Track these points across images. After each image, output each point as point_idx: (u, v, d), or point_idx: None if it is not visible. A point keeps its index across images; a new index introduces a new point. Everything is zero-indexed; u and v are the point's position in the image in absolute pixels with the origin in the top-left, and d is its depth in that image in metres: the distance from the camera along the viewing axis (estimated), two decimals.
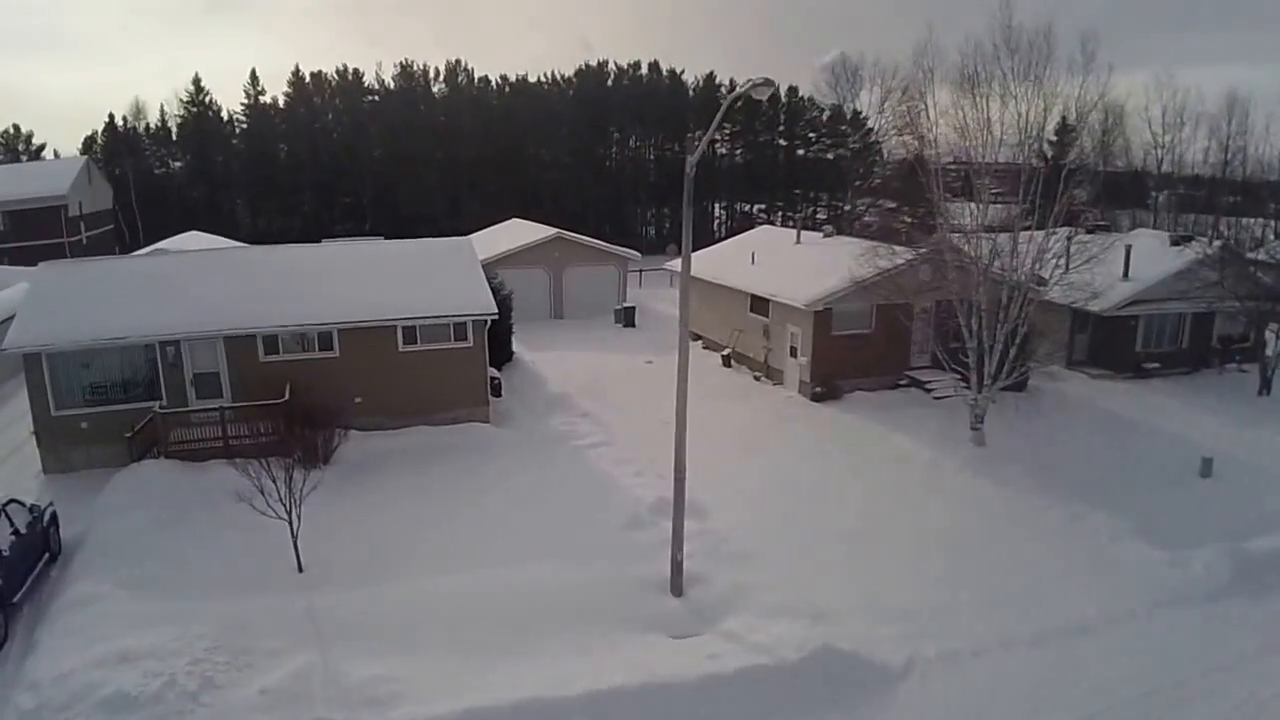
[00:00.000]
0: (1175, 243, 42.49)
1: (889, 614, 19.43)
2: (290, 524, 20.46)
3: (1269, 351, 38.18)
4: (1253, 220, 72.06)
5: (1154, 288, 39.22)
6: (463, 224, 63.12)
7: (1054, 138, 33.65)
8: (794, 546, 22.44)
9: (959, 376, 31.35)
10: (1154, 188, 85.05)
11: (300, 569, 20.56)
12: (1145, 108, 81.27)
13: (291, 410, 27.20)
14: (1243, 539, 23.06)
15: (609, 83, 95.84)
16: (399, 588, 19.54)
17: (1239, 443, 30.62)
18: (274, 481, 20.40)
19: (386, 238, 38.21)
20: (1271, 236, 54.47)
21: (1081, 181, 29.91)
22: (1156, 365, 39.69)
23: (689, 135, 19.84)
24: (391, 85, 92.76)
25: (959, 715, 16.39)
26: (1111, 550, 22.93)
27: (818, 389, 34.65)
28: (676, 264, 43.03)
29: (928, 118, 30.71)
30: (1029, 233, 29.94)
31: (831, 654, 17.39)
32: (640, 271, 61.94)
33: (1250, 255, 41.37)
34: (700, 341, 42.25)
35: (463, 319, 30.50)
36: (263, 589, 19.58)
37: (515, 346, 40.05)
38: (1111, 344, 39.40)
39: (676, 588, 19.73)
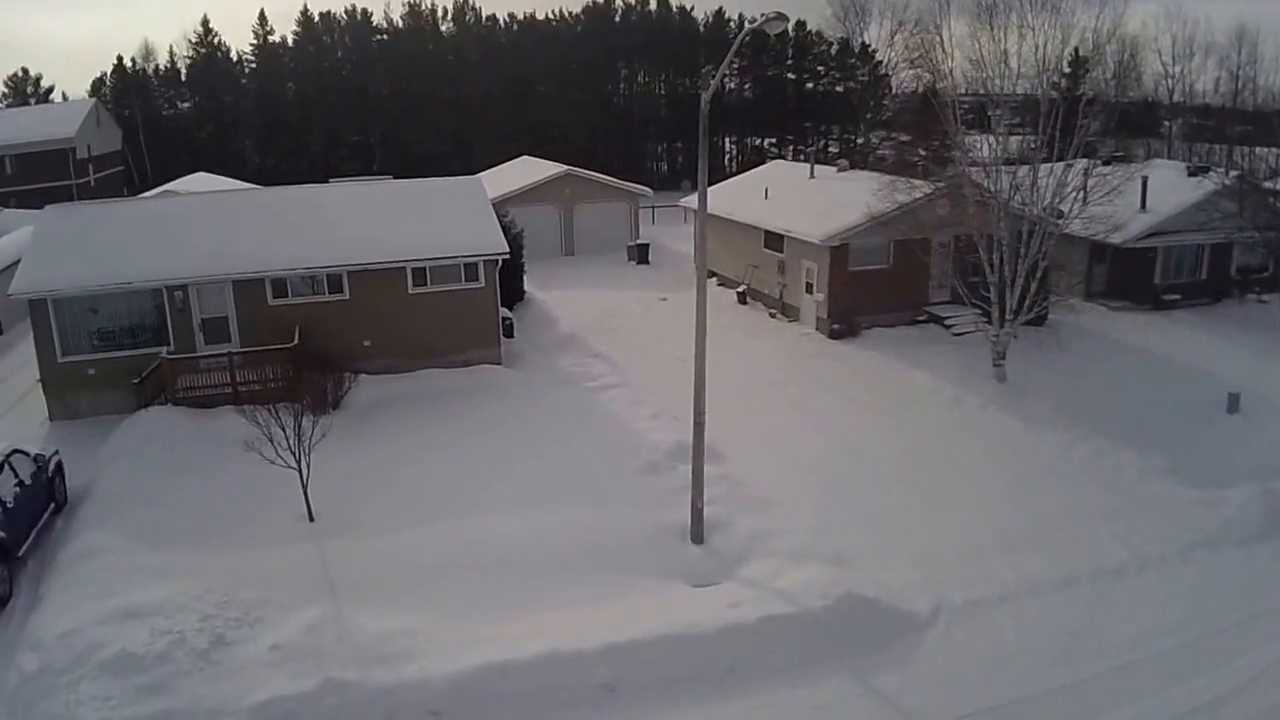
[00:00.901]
0: (1192, 173, 41.19)
1: (913, 559, 18.65)
2: (300, 472, 19.74)
3: None
4: (1266, 149, 70.50)
5: (1172, 219, 37.96)
6: (472, 163, 61.85)
7: (1067, 69, 32.38)
8: (814, 490, 21.65)
9: (979, 312, 30.37)
10: (1165, 117, 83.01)
11: (311, 518, 19.89)
12: (1155, 38, 79.41)
13: (300, 355, 26.49)
14: (1274, 478, 22.03)
15: (617, 19, 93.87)
16: (411, 536, 18.88)
17: (1264, 376, 29.39)
18: (283, 429, 19.67)
19: (395, 177, 37.08)
20: None
21: (1099, 113, 28.71)
22: (1176, 297, 38.53)
23: (702, 70, 18.94)
24: (400, 24, 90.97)
25: (988, 666, 15.63)
26: (1140, 489, 22.05)
27: (835, 326, 33.64)
28: (691, 200, 42.16)
29: (943, 50, 29.51)
30: (1048, 165, 28.85)
31: (856, 602, 16.66)
32: (653, 208, 60.68)
33: (1268, 185, 40.01)
34: (715, 278, 41.12)
35: (473, 259, 29.55)
36: (273, 539, 18.98)
37: (527, 285, 39.13)
38: (1130, 276, 38.23)
39: (697, 535, 19.03)
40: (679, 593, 17.12)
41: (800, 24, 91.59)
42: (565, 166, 52.50)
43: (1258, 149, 70.03)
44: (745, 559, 18.33)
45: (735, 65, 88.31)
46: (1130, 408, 26.86)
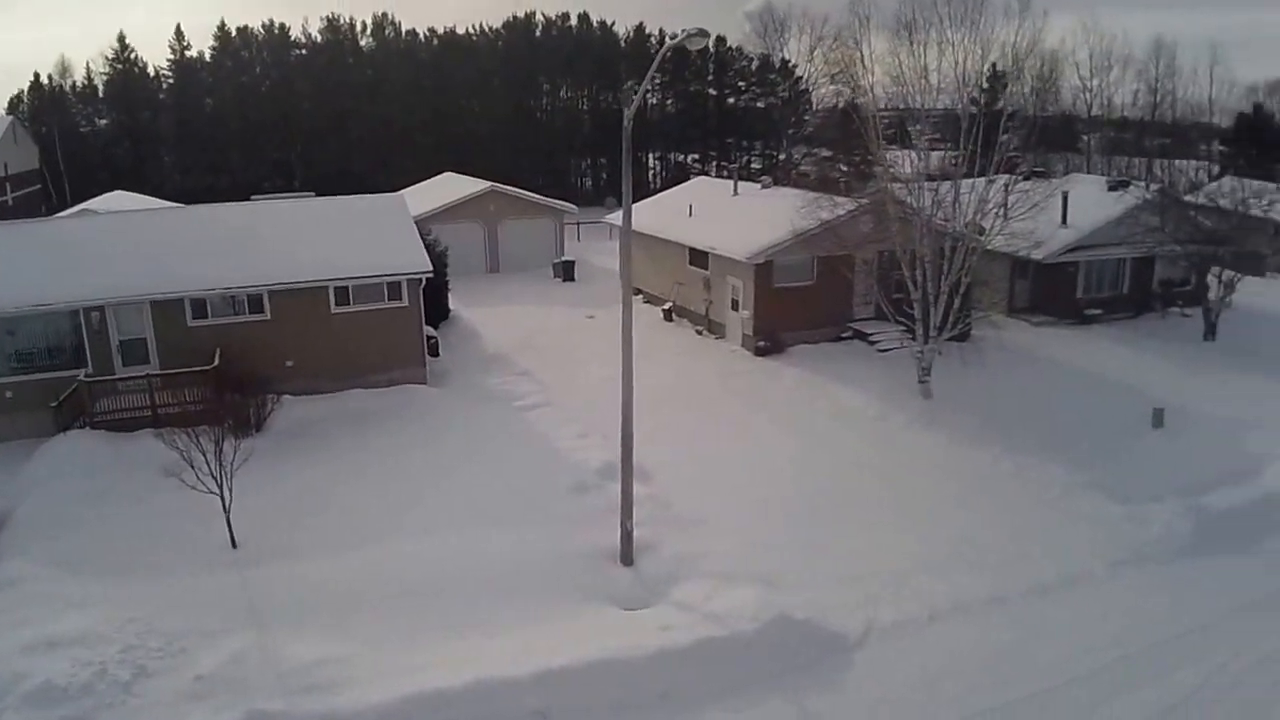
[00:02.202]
0: (1113, 188, 42.32)
1: (843, 578, 18.79)
2: (222, 497, 19.32)
3: (1212, 296, 38.19)
4: (1186, 162, 72.72)
5: (1093, 234, 39.00)
6: (394, 179, 61.15)
7: (987, 85, 33.12)
8: (743, 509, 21.70)
9: (903, 328, 30.85)
10: (1084, 131, 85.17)
11: (234, 544, 19.48)
12: (1073, 52, 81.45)
13: (221, 376, 25.96)
14: (1200, 493, 22.62)
15: (538, 34, 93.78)
16: (338, 562, 18.62)
17: (1189, 390, 30.17)
18: (203, 454, 19.24)
19: (317, 194, 36.65)
20: (1206, 179, 54.73)
21: (1019, 128, 29.38)
22: (1098, 311, 39.48)
23: (624, 86, 19.00)
24: (318, 39, 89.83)
25: (919, 688, 15.81)
26: (1067, 505, 22.45)
27: (761, 342, 33.90)
28: (615, 217, 42.15)
29: (863, 65, 29.97)
30: (970, 181, 29.43)
31: (787, 623, 16.76)
32: (578, 224, 60.69)
33: (1189, 199, 41.22)
34: (641, 295, 41.26)
35: (396, 277, 29.31)
36: (196, 567, 18.60)
37: (452, 303, 38.86)
38: (1053, 291, 39.15)
39: (626, 557, 19.01)
40: (610, 616, 17.09)
41: (720, 40, 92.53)
42: (489, 183, 52.22)
43: (1177, 161, 72.21)
44: (675, 581, 18.34)
45: (657, 81, 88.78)
46: (1055, 423, 27.34)
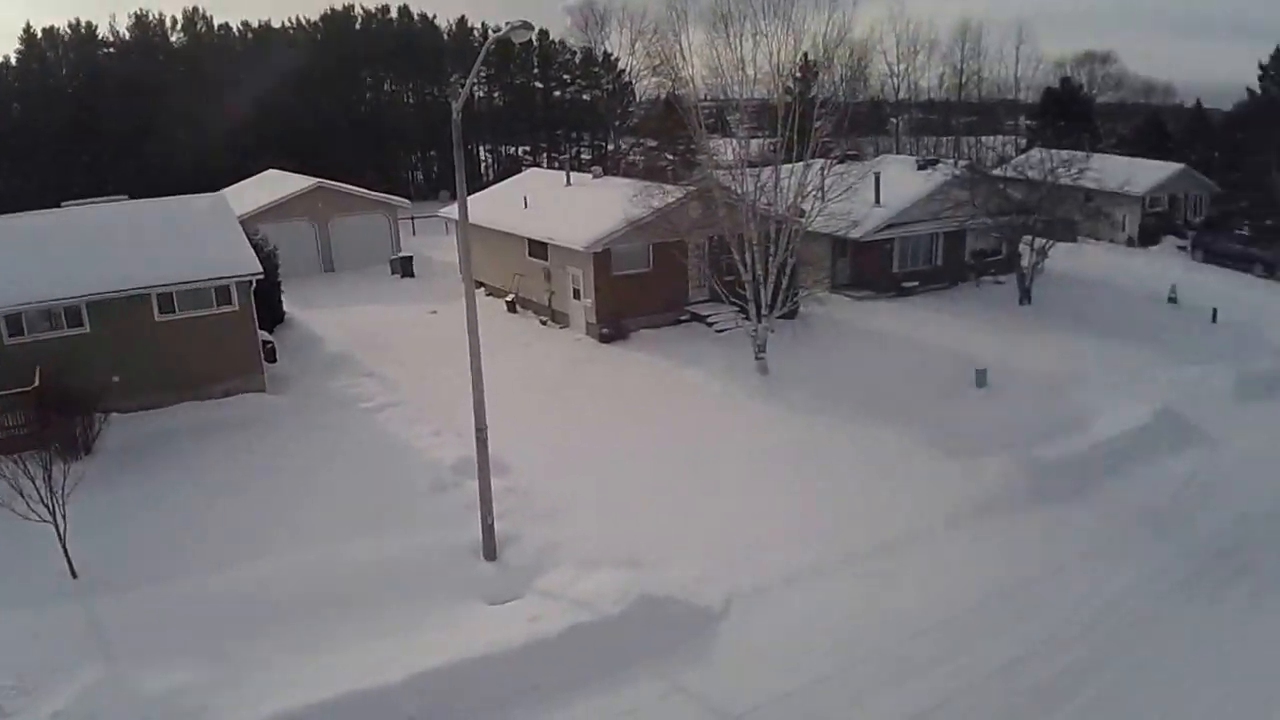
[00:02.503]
0: (922, 166, 44.20)
1: (703, 552, 19.11)
2: (56, 525, 18.01)
3: (1025, 263, 40.38)
4: (992, 138, 76.37)
5: (906, 211, 40.59)
6: (214, 179, 58.15)
7: (800, 74, 34.03)
8: (602, 493, 21.76)
9: (737, 309, 31.54)
10: (892, 114, 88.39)
11: (74, 574, 18.19)
12: (880, 39, 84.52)
13: (43, 397, 24.17)
14: (1029, 446, 23.95)
15: (357, 27, 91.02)
16: (188, 584, 17.63)
17: (1007, 352, 32.06)
18: (32, 480, 17.90)
19: (131, 197, 34.49)
20: (1014, 153, 57.65)
21: (831, 115, 30.31)
22: (915, 284, 41.25)
23: (450, 79, 18.65)
24: (127, 36, 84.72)
25: (783, 651, 16.23)
26: (904, 465, 23.40)
27: (604, 330, 34.01)
28: (451, 210, 41.41)
29: (682, 57, 30.32)
30: (789, 166, 30.21)
31: (652, 602, 16.93)
32: (412, 219, 59.29)
33: (997, 173, 43.33)
34: (483, 288, 40.59)
35: (224, 281, 27.85)
36: (36, 600, 17.28)
37: (286, 306, 37.35)
38: (871, 267, 40.62)
39: (489, 551, 18.75)
40: (478, 612, 16.87)
41: (544, 33, 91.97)
42: (316, 179, 50.32)
43: (984, 138, 75.79)
44: (540, 571, 18.26)
45: (483, 74, 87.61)
46: (885, 389, 28.50)
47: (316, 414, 27.00)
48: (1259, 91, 67.82)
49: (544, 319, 37.32)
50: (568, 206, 38.54)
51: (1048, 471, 22.91)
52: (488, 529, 18.67)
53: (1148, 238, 58.03)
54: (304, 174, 52.94)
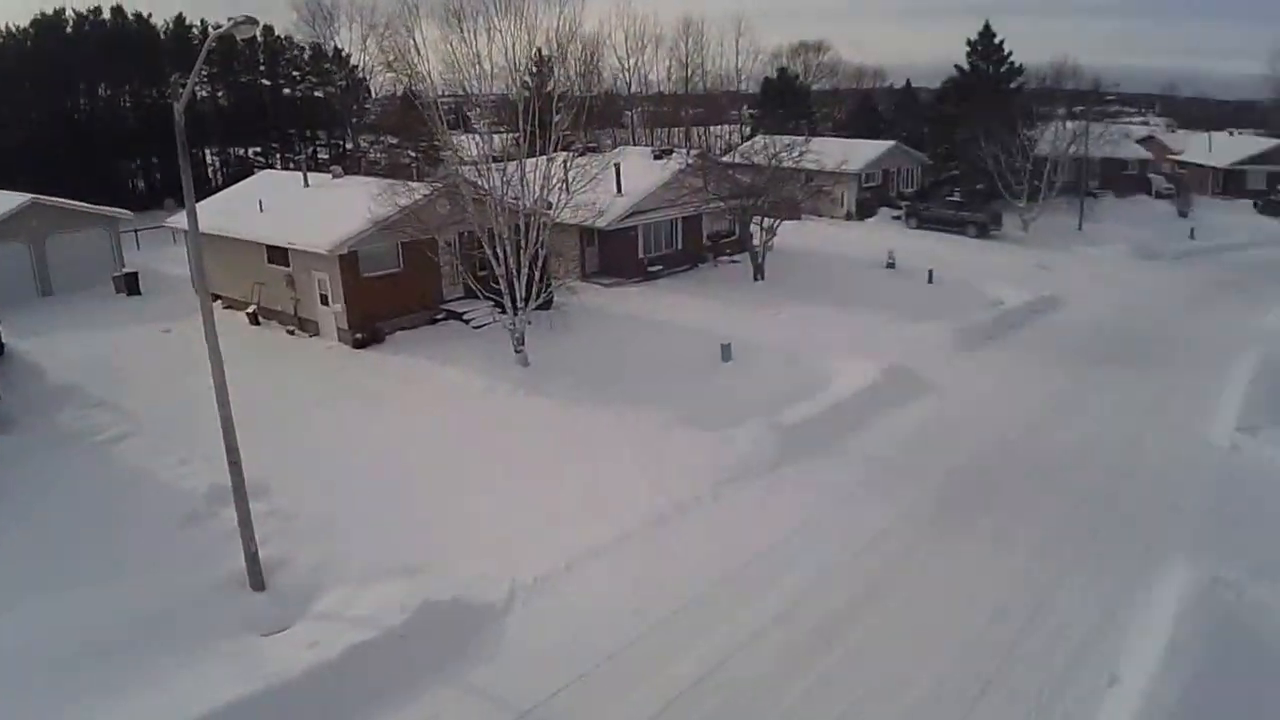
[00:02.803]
0: (658, 156, 45.52)
1: (481, 549, 18.73)
2: None
3: (756, 242, 42.24)
4: (720, 128, 79.47)
5: (646, 199, 41.56)
6: None
7: (535, 69, 34.08)
8: (372, 503, 20.78)
9: (493, 303, 31.18)
10: (625, 107, 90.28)
11: None
12: (610, 35, 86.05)
13: None
14: (774, 412, 25.05)
15: (69, 29, 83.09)
16: None
17: (746, 325, 33.61)
18: None
19: None
20: (739, 140, 60.10)
21: (569, 109, 30.52)
22: (660, 268, 42.39)
23: (171, 80, 17.33)
24: None
25: (568, 635, 16.15)
26: (664, 441, 23.90)
27: (358, 335, 32.66)
28: (179, 219, 38.69)
29: (417, 53, 29.58)
30: (533, 160, 30.14)
31: (434, 608, 16.33)
32: (135, 231, 54.96)
33: (726, 159, 45.21)
34: (220, 301, 38.08)
35: None
36: None
37: (3, 336, 33.67)
38: (618, 254, 41.33)
39: (257, 580, 17.47)
40: (253, 646, 15.63)
41: (269, 29, 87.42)
42: (29, 195, 45.53)
43: (712, 128, 78.75)
44: (316, 593, 17.20)
45: (206, 73, 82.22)
46: (641, 370, 29.14)
47: (44, 452, 24.18)
48: (967, 68, 73.20)
49: (291, 329, 35.40)
50: (308, 209, 36.72)
51: (795, 433, 24.15)
52: (252, 557, 17.43)
53: (865, 211, 62.12)
54: (15, 190, 47.80)
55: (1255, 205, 76.03)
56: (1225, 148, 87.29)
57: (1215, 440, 25.54)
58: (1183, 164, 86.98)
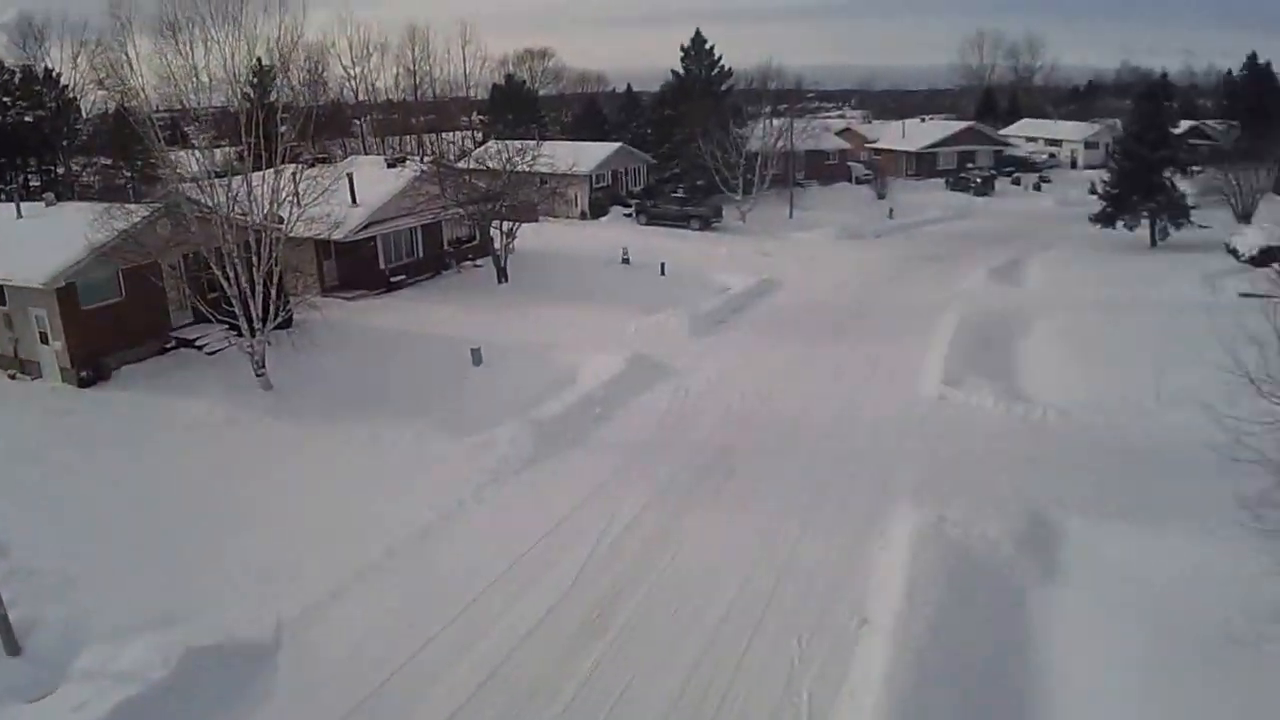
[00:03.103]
0: (391, 164, 44.76)
1: (243, 589, 17.82)
2: None
3: (497, 246, 42.52)
4: (452, 134, 78.60)
5: (383, 208, 40.75)
6: None
7: (255, 79, 32.92)
8: (123, 552, 19.26)
9: (228, 326, 29.72)
10: (354, 116, 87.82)
11: None
12: (334, 44, 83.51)
13: None
14: (528, 411, 25.48)
15: None
16: None
17: (493, 328, 33.86)
18: None
19: None
20: (472, 146, 59.98)
21: (295, 119, 29.72)
22: (402, 277, 41.73)
23: None
24: None
25: (344, 661, 15.78)
26: (422, 450, 23.78)
27: (83, 373, 29.91)
28: None
29: (130, 68, 27.85)
30: (260, 173, 29.07)
31: (200, 654, 15.47)
32: None
33: (461, 165, 45.12)
34: None
35: None
36: None
37: None
38: (358, 266, 40.30)
39: (10, 645, 15.86)
40: (19, 715, 14.31)
41: None
42: None
43: (444, 135, 77.74)
44: (74, 653, 15.75)
45: None
46: (391, 382, 28.73)
47: None
48: (682, 72, 76.46)
49: (12, 372, 31.80)
50: (21, 241, 33.36)
51: (550, 428, 24.74)
52: (1, 620, 16.05)
53: (598, 210, 63.77)
54: None
55: (946, 183, 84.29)
56: (917, 133, 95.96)
57: (925, 393, 28.30)
58: (879, 151, 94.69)
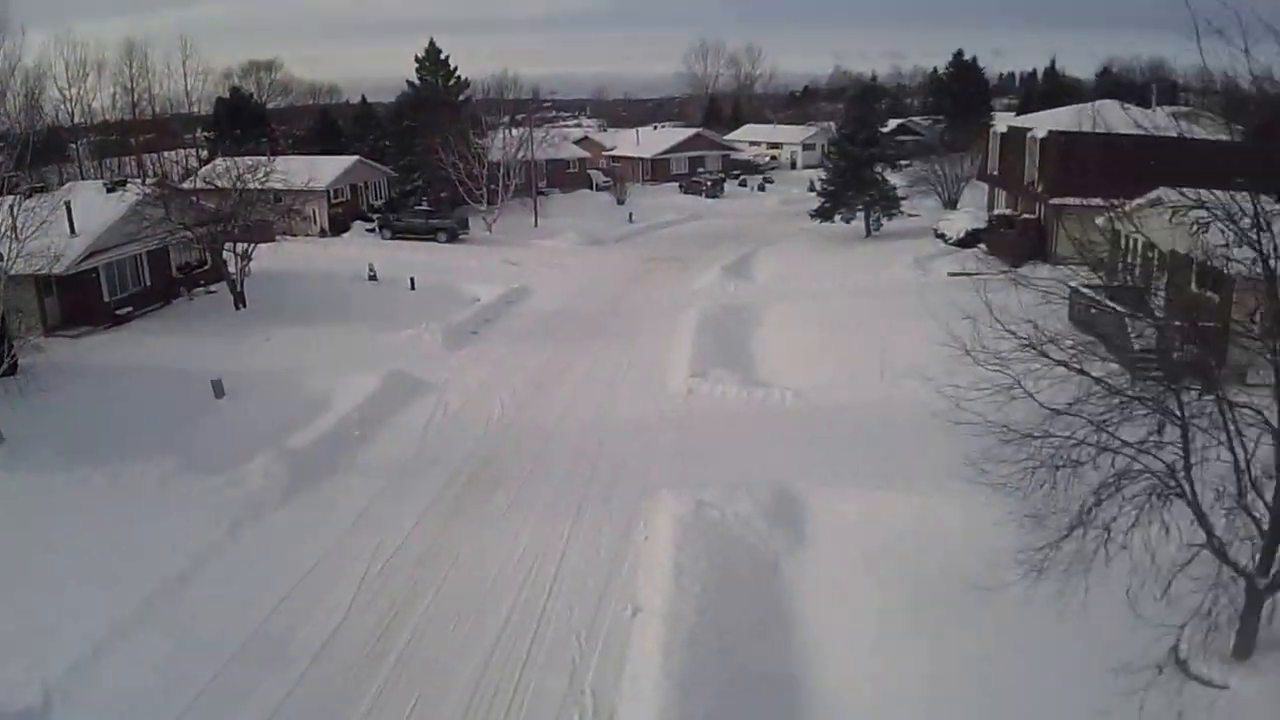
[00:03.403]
0: (111, 189, 41.55)
1: (12, 650, 16.06)
2: None
3: (232, 269, 40.29)
4: (174, 153, 73.70)
5: (104, 236, 37.83)
6: None
7: None
8: None
9: None
10: (69, 139, 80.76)
11: None
12: (51, 65, 76.43)
13: None
14: (280, 441, 24.26)
15: None
16: None
17: (233, 357, 32.22)
18: None
19: None
20: (198, 165, 56.65)
21: (12, 148, 27.34)
22: (130, 309, 38.89)
23: None
24: None
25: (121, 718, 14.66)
26: (170, 494, 21.97)
27: None
28: None
29: None
30: None
31: None
32: None
33: (187, 185, 42.58)
34: None
35: None
36: None
37: None
38: (82, 301, 37.27)
39: None
40: None
41: None
42: None
43: (167, 154, 72.81)
44: None
45: None
46: (128, 423, 26.37)
47: None
48: (418, 83, 75.16)
49: None
50: None
51: (305, 456, 23.66)
52: None
53: (339, 226, 62.11)
54: None
55: (680, 187, 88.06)
56: (651, 140, 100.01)
57: (675, 388, 29.59)
58: (617, 158, 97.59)
